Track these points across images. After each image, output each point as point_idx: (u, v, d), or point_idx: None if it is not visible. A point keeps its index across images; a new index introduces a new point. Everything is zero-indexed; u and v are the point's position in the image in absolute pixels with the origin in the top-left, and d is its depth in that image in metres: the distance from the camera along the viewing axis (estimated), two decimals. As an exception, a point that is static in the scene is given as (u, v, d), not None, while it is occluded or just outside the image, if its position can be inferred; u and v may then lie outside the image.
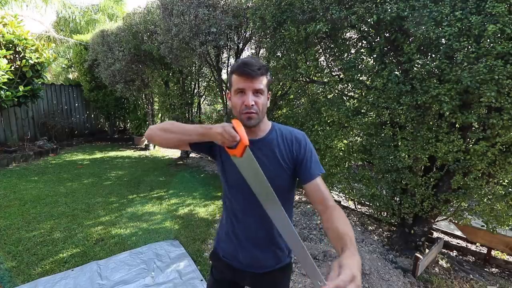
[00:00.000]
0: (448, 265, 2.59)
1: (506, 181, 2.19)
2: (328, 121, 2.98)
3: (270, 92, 1.01)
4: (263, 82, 0.92)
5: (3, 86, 4.72)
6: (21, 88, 5.16)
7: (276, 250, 1.07)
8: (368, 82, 2.60)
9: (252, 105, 0.91)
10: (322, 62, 3.06)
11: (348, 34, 2.89)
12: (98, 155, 6.86)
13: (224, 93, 5.12)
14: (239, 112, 0.93)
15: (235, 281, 1.14)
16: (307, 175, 0.97)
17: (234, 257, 1.08)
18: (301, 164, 0.98)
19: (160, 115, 8.05)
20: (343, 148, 3.09)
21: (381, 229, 3.28)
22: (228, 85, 1.05)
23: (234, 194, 1.05)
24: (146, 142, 8.16)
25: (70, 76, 10.51)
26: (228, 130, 0.82)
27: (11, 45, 5.05)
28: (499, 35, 1.74)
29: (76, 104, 8.58)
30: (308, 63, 2.88)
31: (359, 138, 2.96)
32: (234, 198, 1.05)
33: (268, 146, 1.00)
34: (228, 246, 1.10)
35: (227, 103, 5.24)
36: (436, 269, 2.52)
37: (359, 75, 2.55)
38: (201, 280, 2.24)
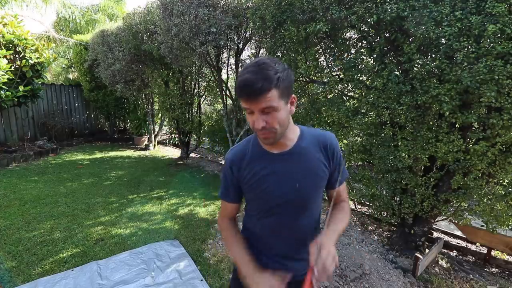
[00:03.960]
0: (448, 265, 2.58)
1: (506, 181, 2.19)
2: (328, 121, 2.98)
3: (293, 96, 0.85)
4: (271, 97, 0.76)
5: (3, 86, 4.72)
6: (21, 88, 5.16)
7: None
8: (368, 82, 2.60)
9: (264, 126, 0.79)
10: (322, 62, 3.06)
11: (348, 34, 2.89)
12: (98, 155, 6.86)
13: (224, 93, 5.12)
14: (254, 130, 0.83)
15: None
16: (335, 183, 0.96)
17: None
18: (333, 171, 0.94)
19: (160, 115, 8.05)
20: (343, 148, 3.09)
21: (381, 229, 3.28)
22: None
23: (267, 220, 0.97)
24: (146, 142, 8.16)
25: (70, 76, 10.50)
26: None
27: (11, 45, 5.04)
28: (499, 35, 1.74)
29: (76, 104, 8.57)
30: (308, 63, 2.88)
31: (359, 138, 2.96)
32: (268, 220, 0.97)
33: (300, 156, 0.90)
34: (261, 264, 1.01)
35: (227, 103, 5.24)
36: (436, 269, 2.52)
37: (359, 75, 2.55)
38: (201, 280, 2.25)
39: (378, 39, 2.44)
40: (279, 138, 0.84)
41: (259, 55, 4.59)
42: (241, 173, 0.94)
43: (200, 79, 6.15)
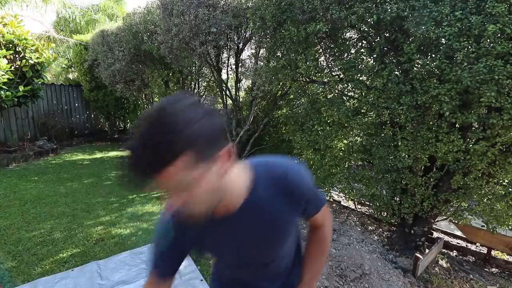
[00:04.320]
0: (448, 265, 2.59)
1: (506, 181, 2.19)
2: (328, 121, 2.98)
3: (225, 148, 0.57)
4: (176, 172, 0.50)
5: (3, 86, 4.72)
6: (21, 88, 5.16)
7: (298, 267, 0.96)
8: (368, 82, 2.60)
9: (179, 206, 0.60)
10: (322, 62, 3.06)
11: (348, 34, 2.89)
12: (98, 155, 6.86)
13: (224, 93, 5.12)
14: None
15: None
16: (310, 214, 0.84)
17: None
18: (305, 208, 0.79)
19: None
20: (343, 148, 3.09)
21: (381, 229, 3.28)
22: None
23: (235, 271, 0.89)
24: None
25: (70, 76, 10.50)
26: None
27: (11, 45, 5.04)
28: (499, 35, 1.74)
29: (76, 104, 8.57)
30: (308, 63, 2.88)
31: (359, 138, 2.96)
32: (236, 274, 0.90)
33: (255, 212, 0.70)
34: None
35: (227, 103, 5.24)
36: (436, 269, 2.52)
37: (359, 75, 2.55)
38: (201, 280, 2.24)
39: (378, 39, 2.44)
40: (211, 210, 0.62)
41: (259, 55, 4.58)
42: (185, 244, 0.76)
43: (200, 79, 6.16)
